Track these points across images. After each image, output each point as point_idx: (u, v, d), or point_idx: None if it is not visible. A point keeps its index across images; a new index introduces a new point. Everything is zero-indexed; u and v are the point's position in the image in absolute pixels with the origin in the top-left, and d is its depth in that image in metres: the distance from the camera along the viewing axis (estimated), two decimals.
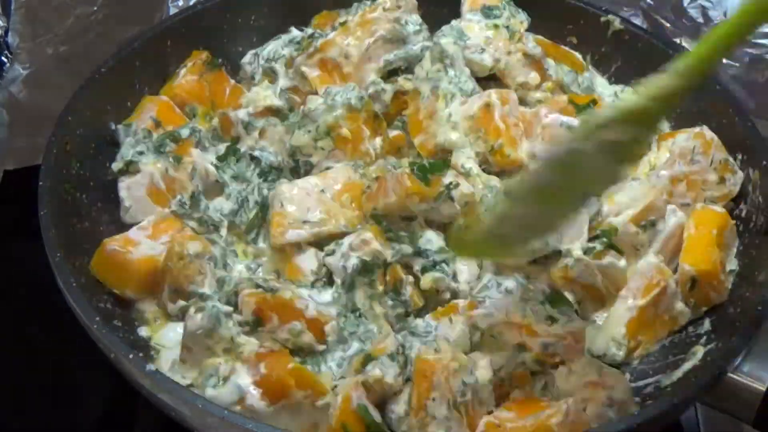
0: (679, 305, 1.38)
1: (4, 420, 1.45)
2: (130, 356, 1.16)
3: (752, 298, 1.33)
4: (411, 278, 1.34)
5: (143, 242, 1.35)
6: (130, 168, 1.44)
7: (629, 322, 1.34)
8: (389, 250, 1.33)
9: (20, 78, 1.92)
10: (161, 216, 1.39)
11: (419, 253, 1.34)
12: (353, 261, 1.31)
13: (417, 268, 1.34)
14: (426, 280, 1.33)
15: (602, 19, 1.74)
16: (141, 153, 1.44)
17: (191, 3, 1.97)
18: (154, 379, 1.14)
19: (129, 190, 1.43)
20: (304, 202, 1.37)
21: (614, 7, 1.91)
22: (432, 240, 1.36)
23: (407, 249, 1.34)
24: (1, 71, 1.94)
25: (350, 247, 1.32)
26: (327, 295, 1.32)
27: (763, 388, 1.22)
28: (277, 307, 1.26)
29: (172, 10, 2.02)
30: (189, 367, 1.26)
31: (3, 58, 1.97)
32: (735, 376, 1.23)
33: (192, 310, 1.26)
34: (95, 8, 2.02)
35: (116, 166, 1.45)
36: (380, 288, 1.32)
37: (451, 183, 1.34)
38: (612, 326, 1.35)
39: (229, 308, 1.26)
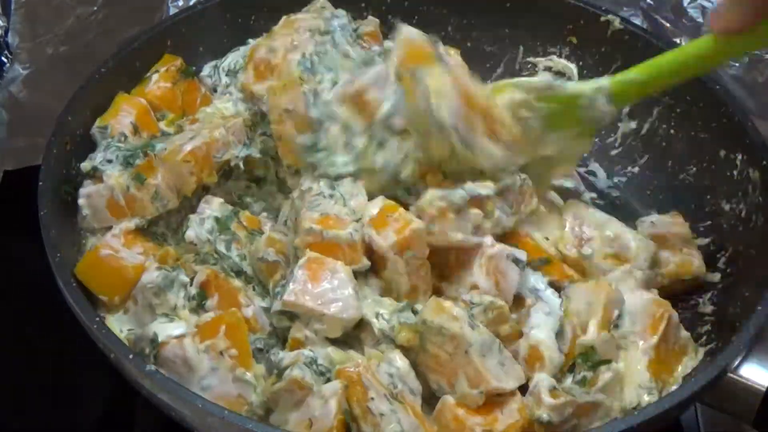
0: (684, 333, 1.35)
1: (4, 420, 1.46)
2: (130, 356, 1.16)
3: (752, 298, 1.33)
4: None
5: (121, 250, 1.35)
6: (95, 174, 1.40)
7: (649, 364, 1.29)
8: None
9: (20, 78, 1.92)
10: (127, 227, 1.37)
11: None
12: (208, 224, 1.37)
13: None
14: None
15: (602, 19, 1.74)
16: (109, 161, 1.39)
17: (191, 3, 1.97)
18: (154, 379, 1.14)
19: (89, 198, 1.39)
20: None
21: (614, 7, 1.90)
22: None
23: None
24: (1, 71, 1.94)
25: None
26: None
27: (763, 388, 1.22)
28: (222, 289, 1.30)
29: (172, 10, 2.02)
30: (128, 319, 1.32)
31: (3, 58, 1.97)
32: (735, 376, 1.23)
33: (154, 265, 1.30)
34: (95, 8, 2.02)
35: (85, 166, 1.41)
36: (242, 233, 1.37)
37: None
38: (633, 374, 1.29)
39: (187, 279, 1.30)
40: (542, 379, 1.24)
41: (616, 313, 1.32)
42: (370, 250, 1.31)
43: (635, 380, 1.28)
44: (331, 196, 1.33)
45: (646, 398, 1.27)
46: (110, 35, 1.96)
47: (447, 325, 1.21)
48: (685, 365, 1.32)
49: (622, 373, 1.27)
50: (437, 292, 1.32)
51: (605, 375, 1.25)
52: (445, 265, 1.33)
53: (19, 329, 1.58)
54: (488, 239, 1.32)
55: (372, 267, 1.32)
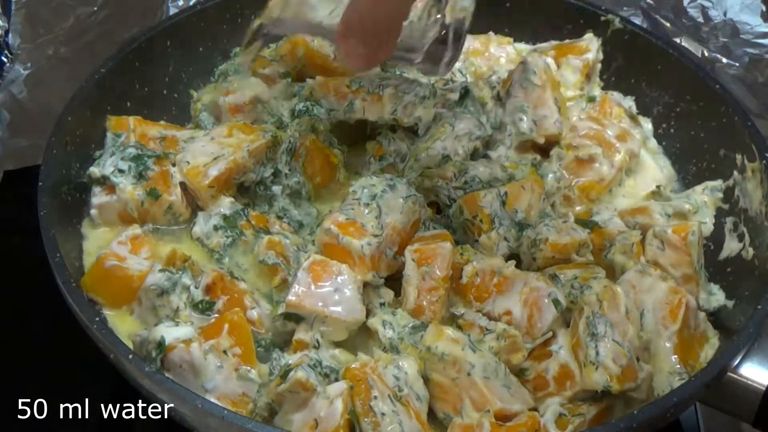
0: (702, 315, 1.35)
1: (3, 420, 1.45)
2: (130, 356, 1.16)
3: (752, 297, 1.33)
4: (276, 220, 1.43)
5: (128, 257, 1.35)
6: (105, 182, 1.40)
7: (675, 349, 1.28)
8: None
9: (21, 78, 1.93)
10: (134, 234, 1.38)
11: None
12: (215, 221, 1.39)
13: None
14: None
15: (602, 18, 1.74)
16: (122, 171, 1.40)
17: (191, 3, 1.97)
18: (154, 379, 1.14)
19: (101, 209, 1.41)
20: None
21: (614, 7, 1.91)
22: None
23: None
24: (2, 71, 1.95)
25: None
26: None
27: (763, 388, 1.22)
28: (228, 291, 1.30)
29: (172, 10, 2.03)
30: (134, 319, 1.33)
31: (3, 58, 1.98)
32: (735, 376, 1.23)
33: (158, 267, 1.30)
34: (95, 8, 2.03)
35: (94, 172, 1.42)
36: (249, 231, 1.38)
37: None
38: (662, 363, 1.28)
39: (190, 282, 1.30)
40: (550, 406, 1.23)
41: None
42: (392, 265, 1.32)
43: (664, 368, 1.28)
44: (367, 204, 1.33)
45: (677, 383, 1.25)
46: (110, 35, 1.97)
47: (448, 350, 1.21)
48: (706, 352, 1.31)
49: (651, 372, 1.27)
50: (454, 316, 1.30)
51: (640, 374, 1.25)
52: (486, 288, 1.31)
53: (19, 329, 1.58)
54: (534, 274, 1.31)
55: (387, 278, 1.33)
